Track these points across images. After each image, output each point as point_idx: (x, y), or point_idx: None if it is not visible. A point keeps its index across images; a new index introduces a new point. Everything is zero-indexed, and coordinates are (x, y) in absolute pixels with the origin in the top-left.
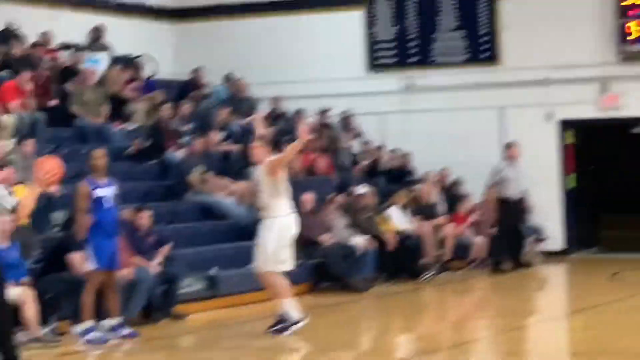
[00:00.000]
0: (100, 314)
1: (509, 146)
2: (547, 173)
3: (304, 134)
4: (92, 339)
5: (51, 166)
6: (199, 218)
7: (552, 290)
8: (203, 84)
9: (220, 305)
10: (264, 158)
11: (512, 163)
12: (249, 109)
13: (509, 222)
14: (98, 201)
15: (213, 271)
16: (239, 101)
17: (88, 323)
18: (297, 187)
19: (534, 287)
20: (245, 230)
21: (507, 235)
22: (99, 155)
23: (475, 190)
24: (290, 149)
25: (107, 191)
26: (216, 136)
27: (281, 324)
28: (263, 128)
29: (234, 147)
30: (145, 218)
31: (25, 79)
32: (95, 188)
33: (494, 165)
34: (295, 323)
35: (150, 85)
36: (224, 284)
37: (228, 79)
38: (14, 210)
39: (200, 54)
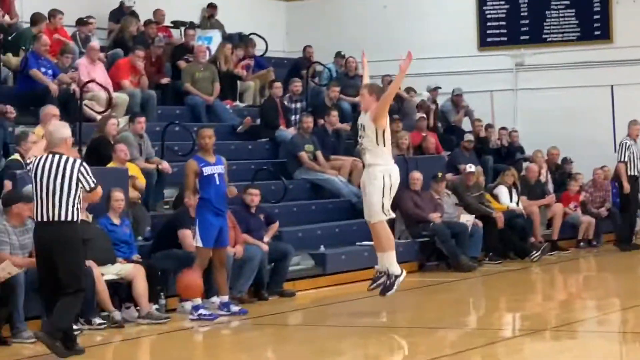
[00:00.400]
0: (208, 291)
1: (634, 123)
2: None
3: (403, 66)
4: (201, 315)
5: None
6: (309, 196)
7: None
8: (313, 62)
9: (328, 283)
10: (370, 106)
11: (635, 141)
12: (359, 88)
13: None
14: (206, 179)
15: (322, 249)
16: (349, 79)
17: (198, 300)
18: (407, 165)
19: None
20: (354, 209)
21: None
22: (208, 135)
23: (584, 170)
24: (393, 85)
25: (215, 169)
26: (333, 116)
27: (383, 279)
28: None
29: (344, 126)
30: (255, 196)
31: (139, 57)
32: (204, 166)
33: (621, 142)
34: (397, 277)
35: (261, 63)
36: (332, 262)
37: (338, 57)
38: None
39: (311, 32)
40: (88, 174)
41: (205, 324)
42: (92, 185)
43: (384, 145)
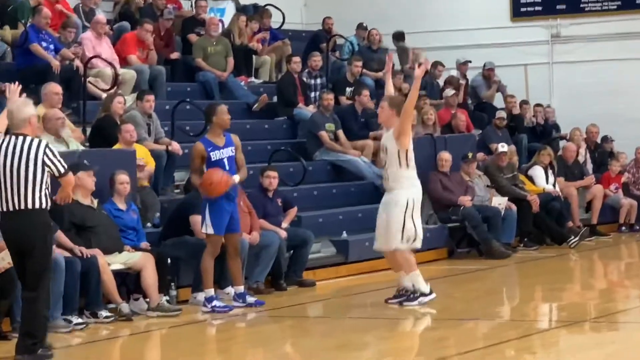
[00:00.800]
0: (223, 281)
1: None
2: None
3: (418, 73)
4: (215, 307)
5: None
6: (330, 179)
7: None
8: (333, 34)
9: (350, 272)
10: (390, 121)
11: None
12: (383, 62)
13: None
14: (214, 164)
15: (344, 236)
16: (372, 53)
17: (210, 291)
18: (435, 145)
19: None
20: (378, 192)
21: None
22: (224, 112)
23: (625, 149)
24: (411, 98)
25: (224, 153)
26: (365, 95)
27: (409, 294)
28: (392, 85)
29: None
30: (273, 178)
31: (147, 30)
32: (212, 150)
33: None
34: (424, 295)
35: (278, 36)
36: (355, 249)
37: (360, 29)
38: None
39: (331, 2)
40: (56, 157)
41: (219, 316)
42: (62, 170)
43: (407, 167)
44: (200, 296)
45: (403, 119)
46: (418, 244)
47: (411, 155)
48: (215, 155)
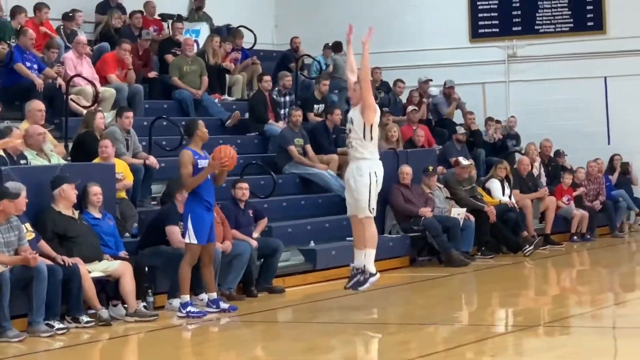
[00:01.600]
0: (197, 287)
1: None
2: None
3: (365, 41)
4: (190, 313)
5: (229, 153)
6: (298, 191)
7: None
8: (302, 54)
9: (318, 279)
10: (358, 100)
11: None
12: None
13: None
14: (200, 170)
15: (311, 245)
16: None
17: (185, 297)
18: (398, 159)
19: (636, 261)
20: (344, 204)
21: None
22: (204, 126)
23: (578, 162)
24: (363, 64)
25: (206, 162)
26: (337, 114)
27: (359, 276)
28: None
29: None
30: (245, 190)
31: (125, 50)
32: (198, 158)
33: None
34: (372, 275)
35: (250, 56)
36: (322, 257)
37: (327, 49)
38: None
39: (300, 24)
40: None
41: (193, 321)
42: None
43: (371, 140)
44: (176, 302)
45: (363, 89)
46: (374, 213)
47: (376, 131)
48: (201, 163)
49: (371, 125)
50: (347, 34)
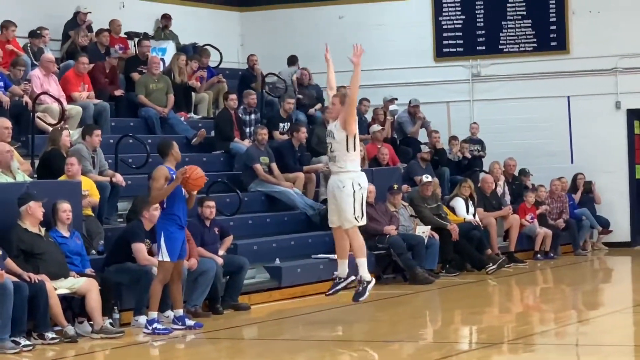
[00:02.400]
0: (163, 304)
1: None
2: (614, 163)
3: (355, 59)
4: (156, 330)
5: (194, 171)
6: (264, 209)
7: (618, 282)
8: (256, 72)
9: (283, 296)
10: (337, 114)
11: None
12: (314, 98)
13: None
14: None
15: (277, 262)
16: (304, 89)
17: (153, 314)
18: None
19: (599, 279)
20: (309, 221)
21: None
22: (177, 147)
23: (541, 181)
24: (353, 83)
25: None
26: (302, 132)
27: (342, 285)
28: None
29: (299, 136)
30: (212, 208)
31: (83, 63)
32: (174, 174)
33: None
34: (369, 283)
35: (215, 74)
36: (288, 275)
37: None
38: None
39: (266, 42)
40: None
41: (159, 338)
42: None
43: (354, 150)
44: (142, 319)
45: (348, 106)
46: (363, 221)
47: (357, 141)
48: None
49: (354, 136)
50: (325, 53)
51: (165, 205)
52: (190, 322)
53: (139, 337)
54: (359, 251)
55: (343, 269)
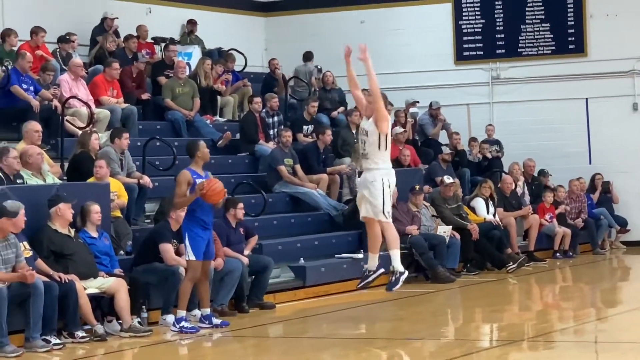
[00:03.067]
0: (190, 304)
1: None
2: (632, 163)
3: (363, 57)
4: (183, 328)
5: (212, 185)
6: (288, 209)
7: (636, 280)
8: (278, 76)
9: (307, 296)
10: (371, 112)
11: None
12: (337, 102)
13: None
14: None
15: (301, 262)
16: (326, 93)
17: (182, 312)
18: None
19: (618, 277)
20: (333, 222)
21: None
22: (205, 147)
23: (560, 181)
24: (371, 81)
25: None
26: (328, 135)
27: (391, 277)
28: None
29: (323, 138)
30: (239, 210)
31: (114, 69)
32: (197, 178)
33: None
34: (402, 274)
35: (240, 78)
36: (312, 274)
37: (316, 71)
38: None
39: (289, 47)
40: None
41: (187, 336)
42: None
43: (385, 149)
44: (170, 318)
45: (375, 102)
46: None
47: (389, 140)
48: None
49: (385, 135)
50: (346, 55)
51: (189, 208)
52: (216, 320)
53: (167, 336)
54: (392, 243)
55: (373, 262)
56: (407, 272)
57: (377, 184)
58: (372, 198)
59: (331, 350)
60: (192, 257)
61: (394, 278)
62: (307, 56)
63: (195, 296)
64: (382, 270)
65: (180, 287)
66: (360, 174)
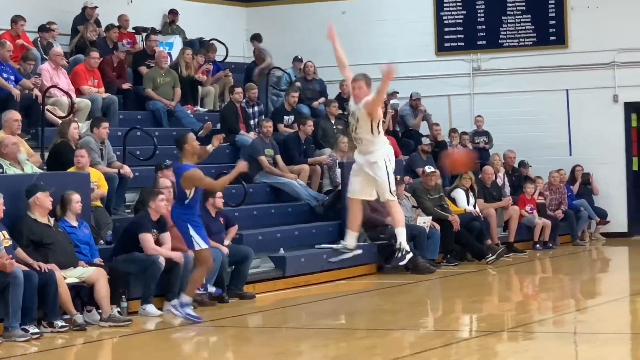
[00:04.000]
0: (169, 293)
1: None
2: (612, 155)
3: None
4: (188, 315)
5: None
6: (268, 200)
7: (615, 271)
8: (272, 67)
9: (287, 286)
10: (363, 97)
11: None
12: (318, 93)
13: None
14: None
15: (281, 252)
16: (307, 83)
17: (188, 298)
18: None
19: (597, 269)
20: (313, 212)
21: None
22: (194, 139)
23: (540, 173)
24: (383, 86)
25: None
26: (309, 126)
27: (397, 253)
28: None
29: (305, 129)
30: (215, 198)
31: (94, 58)
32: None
33: None
34: (408, 252)
35: (222, 69)
36: (292, 264)
37: (296, 61)
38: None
39: (271, 37)
40: None
41: (167, 326)
42: None
43: (379, 133)
44: (149, 307)
45: (377, 101)
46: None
47: (382, 123)
48: None
49: (378, 120)
50: (330, 35)
51: (188, 198)
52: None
53: (147, 325)
54: (399, 221)
55: (351, 241)
56: (411, 253)
57: (381, 163)
58: (378, 178)
59: (311, 340)
60: (203, 246)
61: (399, 254)
62: (297, 60)
63: (175, 286)
64: (359, 251)
65: (194, 274)
66: (341, 164)
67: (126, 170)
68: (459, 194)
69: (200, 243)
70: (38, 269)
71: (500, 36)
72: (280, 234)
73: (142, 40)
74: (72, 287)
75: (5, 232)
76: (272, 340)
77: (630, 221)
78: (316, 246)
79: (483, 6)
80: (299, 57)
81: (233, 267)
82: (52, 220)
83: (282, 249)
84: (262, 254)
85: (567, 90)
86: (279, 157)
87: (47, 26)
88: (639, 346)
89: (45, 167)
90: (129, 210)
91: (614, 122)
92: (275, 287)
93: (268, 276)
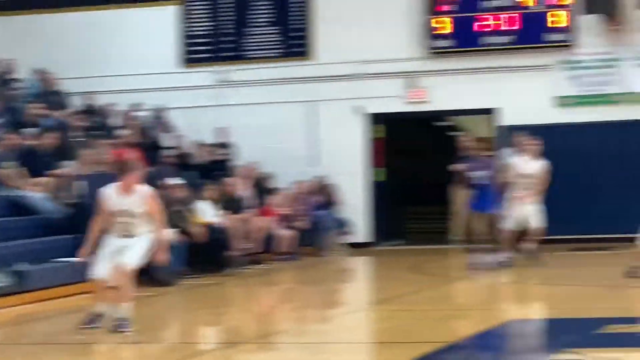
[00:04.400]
0: None
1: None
2: (355, 166)
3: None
4: None
5: None
6: (7, 213)
7: (357, 281)
8: (11, 77)
9: (28, 300)
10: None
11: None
12: (59, 104)
13: None
14: None
15: (21, 266)
16: (49, 95)
17: None
18: (105, 180)
19: (338, 279)
20: (52, 225)
21: None
22: None
23: (286, 184)
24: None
25: None
26: (53, 138)
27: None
28: None
29: (46, 141)
30: None
31: None
32: None
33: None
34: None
35: None
36: (33, 278)
37: (37, 72)
38: None
39: (16, 47)
40: None
41: None
42: None
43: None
44: None
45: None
46: None
47: None
48: None
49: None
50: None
51: None
52: None
53: None
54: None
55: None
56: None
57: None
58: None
59: (49, 356)
60: None
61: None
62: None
63: None
64: None
65: None
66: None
67: None
68: (203, 206)
69: None
70: None
71: (246, 48)
72: (19, 248)
73: None
74: None
75: None
76: (10, 358)
77: (374, 231)
78: (56, 260)
79: (229, 18)
80: (39, 69)
81: None
82: None
83: (21, 262)
84: (2, 268)
85: (313, 101)
86: (19, 170)
87: None
88: (381, 354)
89: None
90: None
91: (357, 133)
92: (15, 302)
93: (6, 291)
